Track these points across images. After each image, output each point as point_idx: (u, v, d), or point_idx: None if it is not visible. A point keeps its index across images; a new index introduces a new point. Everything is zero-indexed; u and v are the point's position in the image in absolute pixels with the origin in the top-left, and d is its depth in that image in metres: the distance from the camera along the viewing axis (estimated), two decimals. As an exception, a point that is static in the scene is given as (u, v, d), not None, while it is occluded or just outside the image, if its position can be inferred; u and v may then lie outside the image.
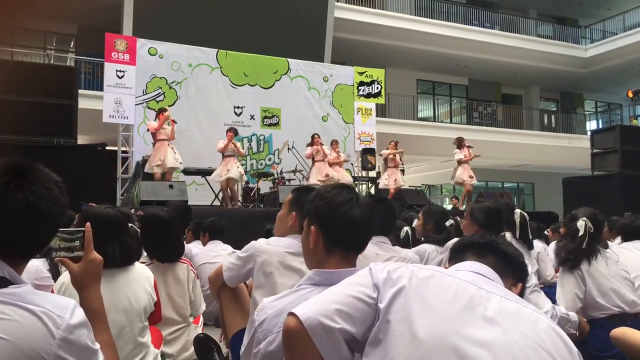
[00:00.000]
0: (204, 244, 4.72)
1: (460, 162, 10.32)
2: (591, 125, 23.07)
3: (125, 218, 2.36)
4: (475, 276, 1.22)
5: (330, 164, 10.04)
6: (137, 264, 2.37)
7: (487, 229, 2.70)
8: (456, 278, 1.18)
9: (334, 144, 10.49)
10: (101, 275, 1.39)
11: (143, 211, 3.86)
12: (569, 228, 2.93)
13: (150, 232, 2.95)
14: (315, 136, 10.13)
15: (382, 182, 10.52)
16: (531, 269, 2.54)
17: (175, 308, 2.98)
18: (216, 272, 2.46)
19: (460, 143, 10.50)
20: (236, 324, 2.34)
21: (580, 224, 2.85)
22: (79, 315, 1.10)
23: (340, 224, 1.48)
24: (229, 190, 8.97)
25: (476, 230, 2.74)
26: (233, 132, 9.06)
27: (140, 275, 2.32)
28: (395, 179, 10.39)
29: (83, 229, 1.36)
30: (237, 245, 4.24)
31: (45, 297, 1.10)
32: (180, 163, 8.52)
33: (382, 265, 1.21)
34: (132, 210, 4.02)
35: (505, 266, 1.35)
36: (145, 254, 2.98)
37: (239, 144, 9.44)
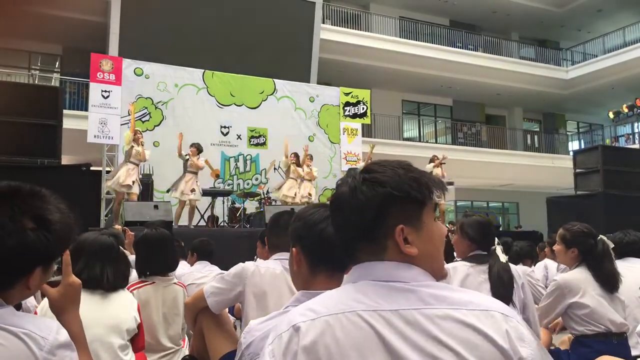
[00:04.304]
0: (191, 264, 4.65)
1: None
2: (573, 145, 23.36)
3: (119, 243, 2.41)
4: None
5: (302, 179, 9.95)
6: (122, 290, 2.41)
7: (478, 244, 2.70)
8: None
9: (307, 159, 10.37)
10: (80, 299, 1.36)
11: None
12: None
13: (151, 249, 2.96)
14: (291, 155, 9.97)
15: None
16: None
17: (167, 331, 2.93)
18: (194, 297, 2.39)
19: (432, 159, 10.81)
20: (222, 347, 2.30)
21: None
22: (63, 336, 1.09)
23: (317, 243, 1.44)
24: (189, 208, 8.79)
25: (467, 245, 2.73)
26: (196, 147, 8.81)
27: (124, 298, 2.36)
28: None
29: (61, 252, 1.34)
30: (223, 265, 4.19)
31: (27, 318, 1.09)
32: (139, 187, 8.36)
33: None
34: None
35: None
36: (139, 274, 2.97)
37: (200, 161, 8.87)
